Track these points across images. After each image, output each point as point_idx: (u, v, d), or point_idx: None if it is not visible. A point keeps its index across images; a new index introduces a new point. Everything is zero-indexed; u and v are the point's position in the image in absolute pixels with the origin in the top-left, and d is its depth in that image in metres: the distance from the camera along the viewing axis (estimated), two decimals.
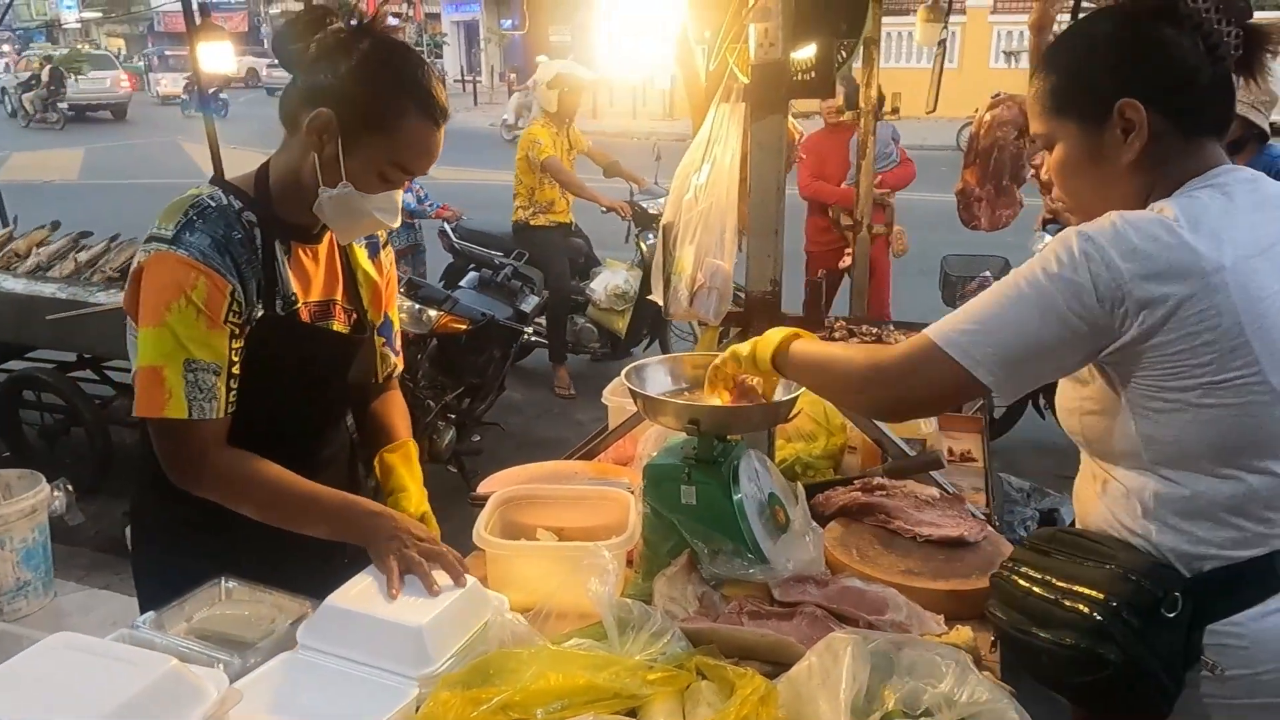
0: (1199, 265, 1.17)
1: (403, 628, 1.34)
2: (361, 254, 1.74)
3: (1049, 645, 1.28)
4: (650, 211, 5.97)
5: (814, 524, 1.77)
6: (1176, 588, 1.25)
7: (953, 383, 1.29)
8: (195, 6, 3.94)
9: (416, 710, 1.24)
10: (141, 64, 34.15)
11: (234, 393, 1.51)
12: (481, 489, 2.04)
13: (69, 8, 41.83)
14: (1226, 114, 1.31)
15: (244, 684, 1.22)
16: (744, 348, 1.63)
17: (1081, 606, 1.26)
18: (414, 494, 1.76)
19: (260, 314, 1.53)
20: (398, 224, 1.60)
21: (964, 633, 1.50)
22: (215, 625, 1.44)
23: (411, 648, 1.32)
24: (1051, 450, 4.86)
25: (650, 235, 6.05)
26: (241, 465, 1.51)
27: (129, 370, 4.71)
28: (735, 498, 1.66)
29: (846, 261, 4.79)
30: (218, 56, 3.85)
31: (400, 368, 1.92)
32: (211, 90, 3.69)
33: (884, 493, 1.94)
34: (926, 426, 2.25)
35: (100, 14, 43.32)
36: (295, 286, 1.59)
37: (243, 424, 1.54)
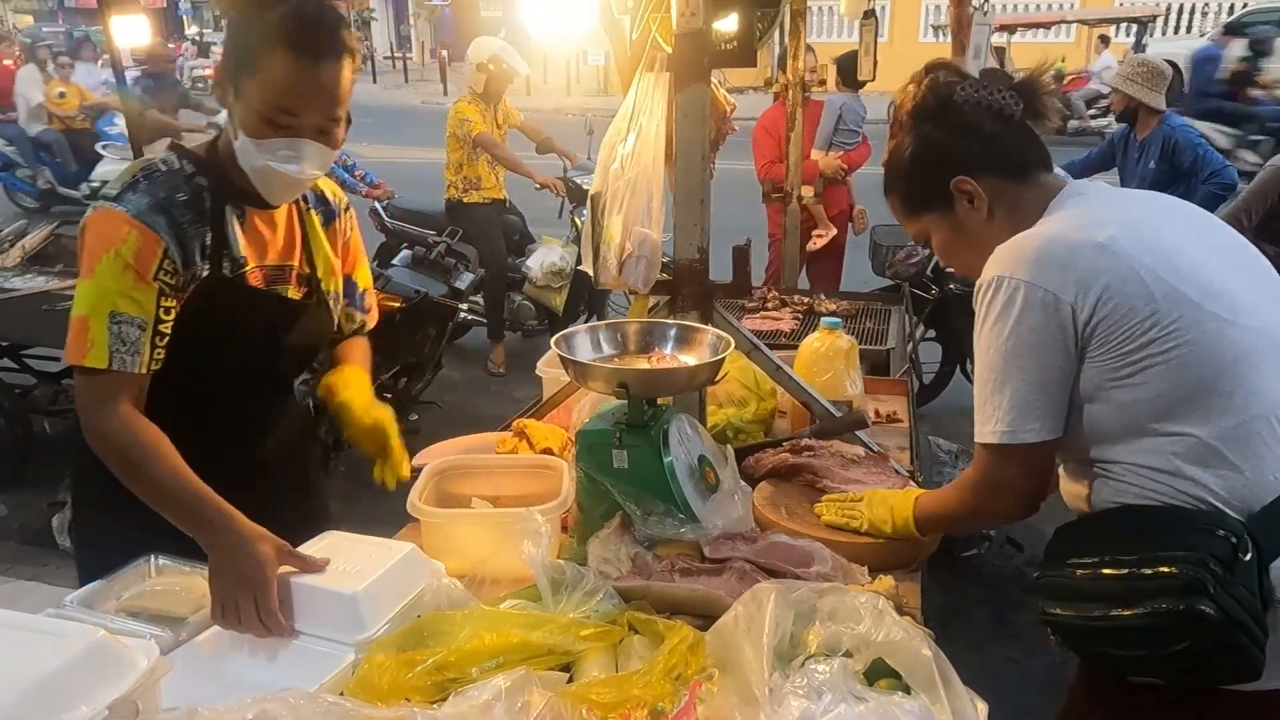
0: (1097, 242, 1.35)
1: (337, 595, 1.35)
2: (315, 220, 1.75)
3: (1138, 620, 1.26)
4: (584, 187, 5.94)
5: (743, 484, 1.82)
6: (1242, 531, 1.27)
7: (1034, 460, 1.43)
8: None
9: (352, 675, 1.25)
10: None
11: (160, 350, 1.52)
12: (417, 461, 2.04)
13: None
14: (1040, 151, 1.55)
15: (176, 655, 1.22)
16: (886, 528, 1.70)
17: (1168, 568, 1.25)
18: (356, 399, 1.76)
19: (205, 274, 1.55)
20: (316, 174, 1.57)
21: (886, 582, 1.57)
22: (146, 602, 1.44)
23: (346, 614, 1.33)
24: None
25: (585, 211, 6.03)
26: (146, 435, 1.48)
27: (49, 358, 4.54)
28: (666, 460, 1.70)
29: (818, 244, 4.88)
30: (132, 30, 3.73)
31: (371, 324, 1.94)
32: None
33: (812, 453, 1.99)
34: (853, 389, 2.32)
35: None
36: (246, 250, 1.61)
37: (188, 384, 1.56)
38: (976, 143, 1.51)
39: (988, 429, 1.43)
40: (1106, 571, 1.31)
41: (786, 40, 3.88)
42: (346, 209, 1.84)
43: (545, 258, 6.05)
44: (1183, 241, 1.40)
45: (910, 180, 1.59)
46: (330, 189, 1.82)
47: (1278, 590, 1.28)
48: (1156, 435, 1.34)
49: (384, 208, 6.15)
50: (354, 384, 1.80)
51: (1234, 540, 1.26)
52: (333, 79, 1.48)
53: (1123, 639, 1.29)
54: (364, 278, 1.91)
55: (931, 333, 5.19)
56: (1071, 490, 1.50)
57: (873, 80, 4.01)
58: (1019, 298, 1.35)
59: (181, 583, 1.46)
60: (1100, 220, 1.40)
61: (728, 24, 2.06)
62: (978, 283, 1.43)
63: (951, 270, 4.95)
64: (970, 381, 5.16)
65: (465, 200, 5.80)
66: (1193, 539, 1.27)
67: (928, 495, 1.70)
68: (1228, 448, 1.31)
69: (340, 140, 1.56)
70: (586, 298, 6.12)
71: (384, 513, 1.86)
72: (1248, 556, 1.25)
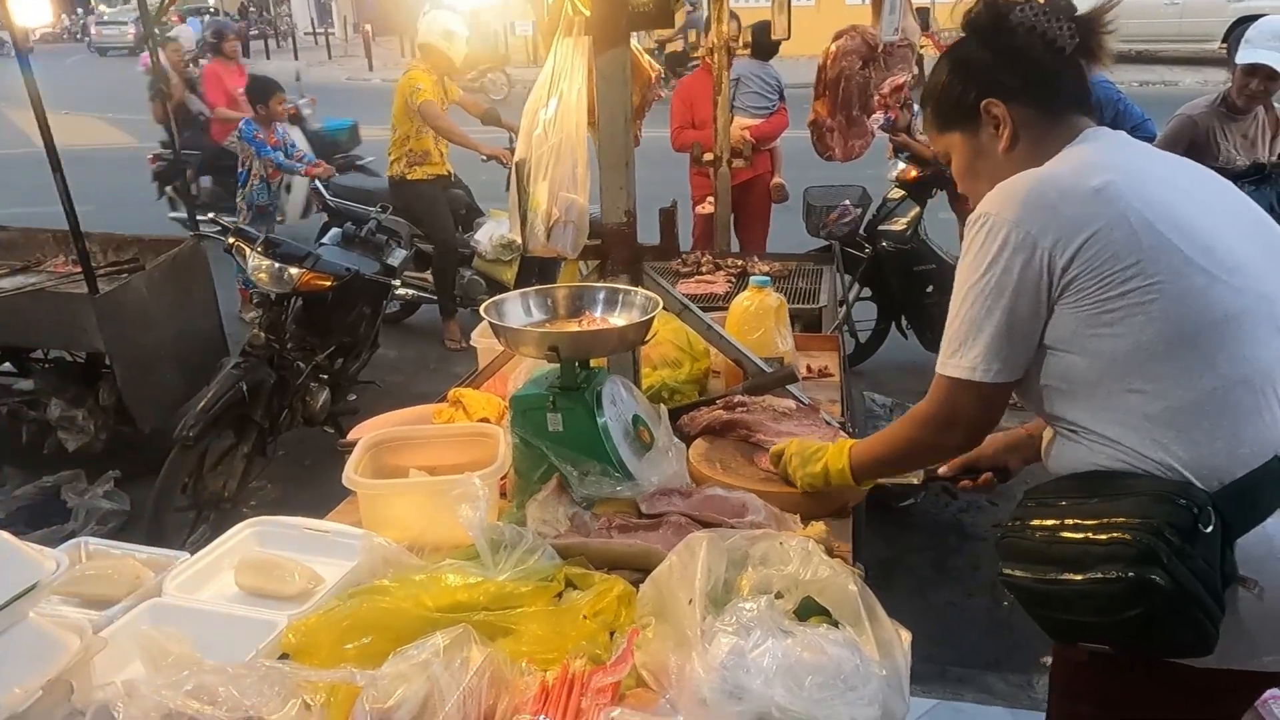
0: (1091, 186, 1.31)
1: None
2: None
3: (1089, 586, 1.24)
4: None
5: (676, 440, 1.85)
6: (1206, 502, 1.24)
7: (989, 398, 1.42)
8: None
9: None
10: None
11: None
12: (352, 435, 2.04)
13: None
14: (1081, 91, 1.48)
15: (110, 631, 1.21)
16: (818, 480, 1.70)
17: (1122, 535, 1.22)
18: None
19: None
20: None
21: (817, 527, 1.62)
22: (78, 586, 1.42)
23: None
24: (912, 370, 5.14)
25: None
26: None
27: None
28: (600, 421, 1.72)
29: (707, 209, 4.88)
30: (32, 8, 3.58)
31: None
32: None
33: (744, 409, 2.03)
34: (783, 346, 2.36)
35: None
36: None
37: None
38: (1018, 69, 1.46)
39: (951, 361, 1.41)
40: (1064, 535, 1.29)
41: (709, 4, 3.88)
42: None
43: (494, 231, 5.97)
44: (1187, 198, 1.35)
45: (945, 93, 1.53)
46: None
47: (1241, 568, 1.26)
48: (1130, 392, 1.31)
49: (325, 186, 6.03)
50: None
51: (1195, 511, 1.23)
52: None
53: (1072, 604, 1.27)
54: None
55: (867, 291, 5.29)
56: (1049, 452, 1.49)
57: (787, 38, 4.02)
58: (999, 237, 1.33)
59: (113, 565, 1.44)
60: (1104, 164, 1.36)
61: None
62: (970, 216, 1.41)
63: (885, 227, 5.08)
64: (905, 337, 5.28)
65: (409, 177, 5.68)
66: (1153, 507, 1.24)
67: (862, 443, 1.69)
68: (1202, 413, 1.28)
69: None
70: (538, 269, 6.08)
71: (336, 490, 1.82)
72: (1209, 529, 1.23)
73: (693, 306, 2.19)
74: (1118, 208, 1.29)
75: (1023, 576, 1.34)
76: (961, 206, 5.05)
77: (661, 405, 1.93)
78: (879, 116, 4.29)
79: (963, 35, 1.54)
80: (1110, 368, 1.32)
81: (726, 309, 2.58)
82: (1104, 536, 1.25)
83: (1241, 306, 1.29)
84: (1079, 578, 1.25)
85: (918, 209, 4.98)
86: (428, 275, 6.01)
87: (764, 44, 4.75)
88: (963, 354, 1.39)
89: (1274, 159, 3.95)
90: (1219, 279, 1.28)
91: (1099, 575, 1.23)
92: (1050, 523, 1.32)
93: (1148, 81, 15.01)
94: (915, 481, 1.79)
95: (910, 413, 1.56)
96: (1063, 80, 1.47)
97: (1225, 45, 14.51)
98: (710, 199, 4.70)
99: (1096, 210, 1.29)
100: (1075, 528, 1.29)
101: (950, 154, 1.57)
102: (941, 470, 1.74)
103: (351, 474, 1.71)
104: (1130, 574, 1.20)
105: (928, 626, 3.38)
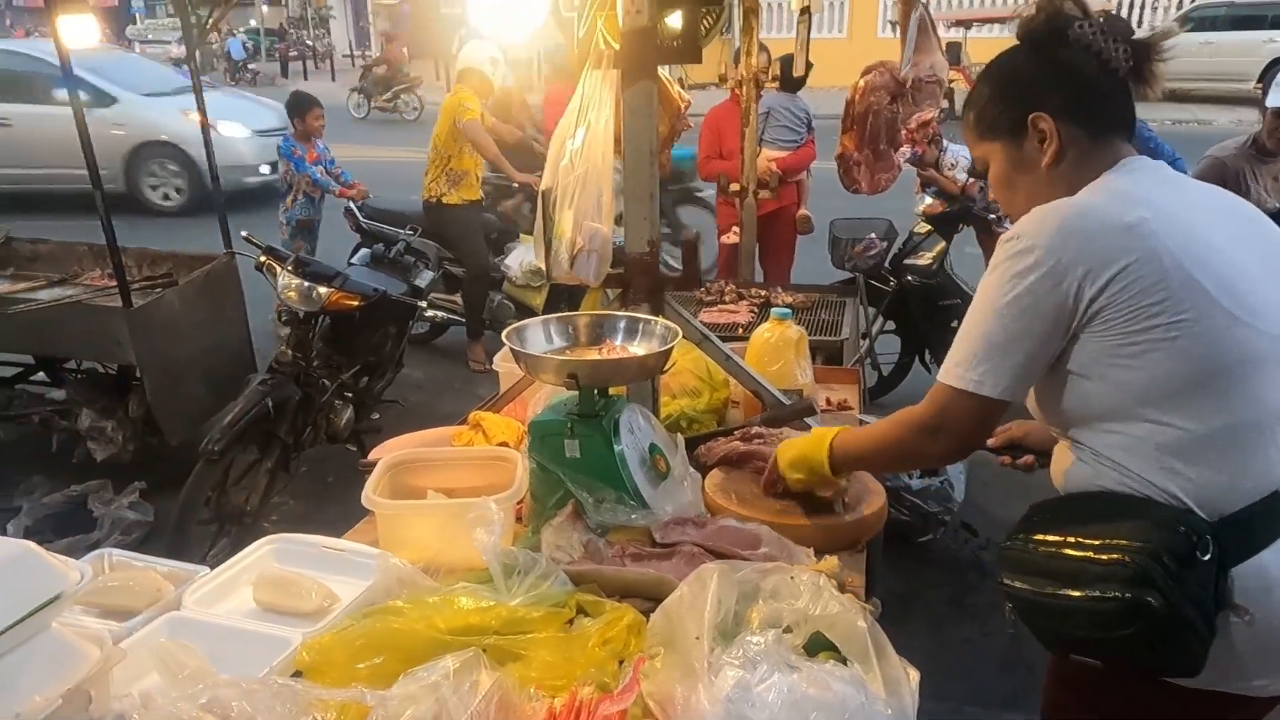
0: (1126, 222, 1.33)
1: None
2: None
3: (1085, 603, 1.28)
4: None
5: (692, 470, 1.86)
6: (1206, 531, 1.28)
7: (988, 413, 1.44)
8: None
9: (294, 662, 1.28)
10: None
11: None
12: (372, 455, 2.06)
13: None
14: (1127, 116, 1.50)
15: (129, 643, 1.24)
16: (798, 470, 1.75)
17: (1121, 557, 1.26)
18: None
19: None
20: None
21: (831, 562, 1.62)
22: (100, 597, 1.45)
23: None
24: None
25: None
26: None
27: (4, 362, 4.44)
28: (617, 449, 1.74)
29: (732, 238, 4.90)
30: (80, 30, 3.69)
31: None
32: None
33: (762, 440, 2.04)
34: (803, 378, 2.37)
35: None
36: None
37: None
38: (1069, 85, 1.46)
39: (956, 371, 1.42)
40: (1066, 552, 1.32)
41: (739, 36, 3.93)
42: None
43: (524, 256, 6.01)
44: (1217, 237, 1.37)
45: (991, 101, 1.53)
46: None
47: (1235, 594, 1.29)
48: (1144, 421, 1.34)
49: (359, 208, 6.11)
50: None
51: (1194, 539, 1.27)
52: None
53: (1068, 618, 1.31)
54: None
55: (891, 325, 5.27)
56: (1058, 468, 1.51)
57: (804, 75, 4.05)
58: (1030, 261, 1.34)
59: (135, 577, 1.47)
60: (1139, 199, 1.37)
61: (675, 20, 2.10)
62: (1004, 235, 1.41)
63: (910, 261, 5.08)
64: (929, 371, 5.25)
65: (445, 201, 5.73)
66: (1153, 532, 1.27)
67: (845, 435, 1.70)
68: (1210, 447, 1.31)
69: None
70: (567, 295, 6.11)
71: (357, 508, 1.84)
72: (1206, 557, 1.26)
73: (712, 336, 2.20)
74: (1149, 244, 1.30)
75: (1022, 588, 1.37)
76: (988, 242, 5.05)
77: (679, 434, 1.94)
78: (905, 150, 4.30)
79: (1014, 43, 1.53)
80: (1125, 397, 1.35)
81: (748, 339, 2.59)
82: (1104, 557, 1.28)
83: (1260, 350, 1.32)
84: (1076, 593, 1.29)
85: (944, 243, 4.98)
86: (457, 298, 6.07)
87: (792, 76, 4.79)
88: (973, 367, 1.41)
89: None
90: (1241, 321, 1.31)
91: (1096, 593, 1.27)
92: (1054, 538, 1.36)
93: (1181, 120, 14.94)
94: None
95: (902, 415, 1.57)
96: (1111, 102, 1.48)
97: (1260, 85, 14.44)
98: (735, 229, 4.73)
99: (1129, 245, 1.30)
100: (1078, 545, 1.32)
101: (988, 161, 1.57)
102: (990, 441, 1.74)
103: (370, 494, 1.73)
104: (1126, 594, 1.24)
105: (944, 663, 3.35)
